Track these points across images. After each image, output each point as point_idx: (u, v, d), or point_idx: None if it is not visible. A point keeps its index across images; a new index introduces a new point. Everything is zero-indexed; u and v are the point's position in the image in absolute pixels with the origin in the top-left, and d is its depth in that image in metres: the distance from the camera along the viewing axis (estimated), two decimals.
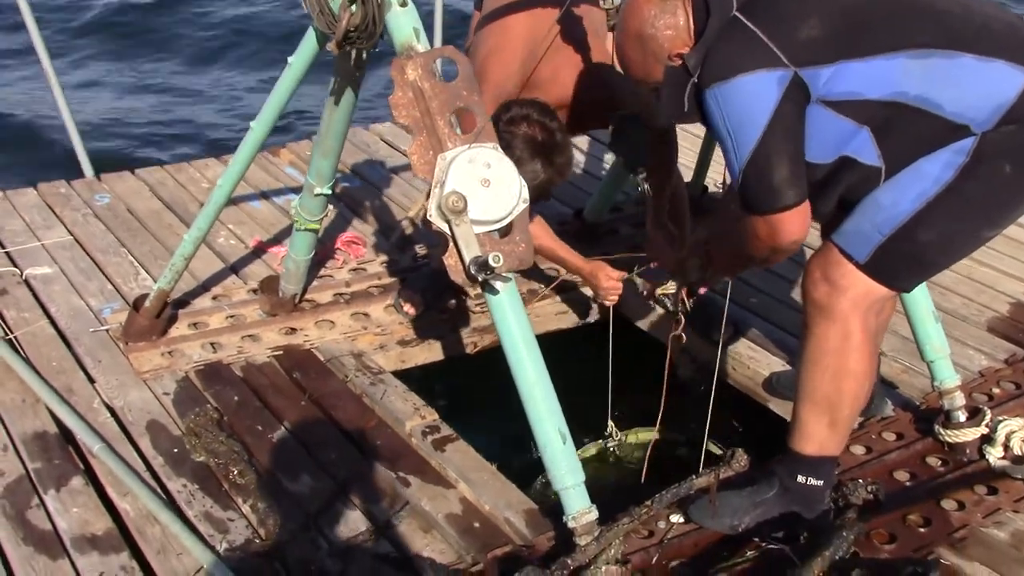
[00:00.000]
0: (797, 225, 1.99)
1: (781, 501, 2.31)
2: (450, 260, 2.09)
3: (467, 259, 2.06)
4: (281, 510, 2.40)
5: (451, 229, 2.07)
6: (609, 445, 3.07)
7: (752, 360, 3.11)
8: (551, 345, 3.08)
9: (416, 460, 2.64)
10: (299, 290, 3.27)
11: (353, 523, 2.38)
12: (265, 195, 4.17)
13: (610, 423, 3.05)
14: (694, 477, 2.24)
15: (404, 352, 3.24)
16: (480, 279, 2.06)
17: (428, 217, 2.09)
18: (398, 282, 3.49)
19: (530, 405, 2.17)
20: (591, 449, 3.09)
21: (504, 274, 2.09)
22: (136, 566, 2.22)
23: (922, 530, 2.39)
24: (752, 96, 1.92)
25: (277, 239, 3.73)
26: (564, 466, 2.17)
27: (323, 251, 3.68)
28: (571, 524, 2.17)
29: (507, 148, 2.43)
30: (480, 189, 2.07)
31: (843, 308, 2.09)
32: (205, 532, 2.34)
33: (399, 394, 2.90)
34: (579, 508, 2.18)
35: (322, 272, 3.55)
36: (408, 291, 3.37)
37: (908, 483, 2.56)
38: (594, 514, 2.18)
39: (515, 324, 2.15)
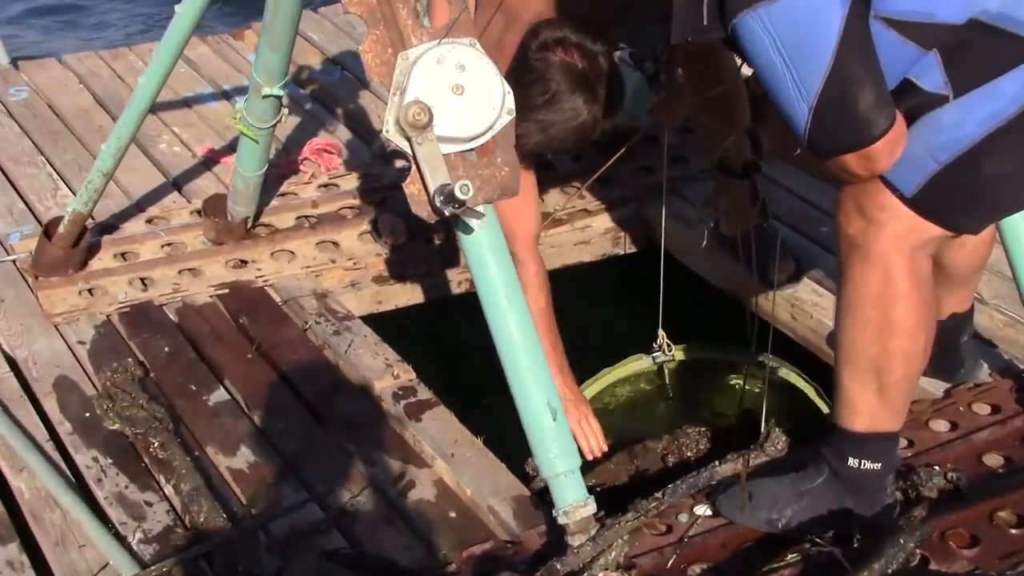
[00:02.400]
0: (898, 144, 1.98)
1: (831, 491, 2.27)
2: (412, 187, 2.04)
3: (431, 187, 2.00)
4: (212, 493, 2.40)
5: (412, 148, 2.01)
6: (658, 360, 3.09)
7: (816, 308, 3.07)
8: (568, 280, 3.09)
9: (385, 431, 2.64)
10: (251, 212, 3.25)
11: (301, 510, 2.38)
12: (223, 91, 4.12)
13: (661, 334, 3.05)
14: (717, 464, 2.21)
15: (380, 292, 3.23)
16: (447, 213, 1.99)
17: (384, 133, 2.02)
18: (378, 203, 3.47)
19: (513, 372, 2.13)
20: (634, 364, 3.10)
21: (478, 208, 2.02)
22: (27, 561, 2.22)
23: (1014, 531, 2.31)
24: (813, 13, 1.88)
25: (234, 146, 3.62)
26: (555, 448, 2.14)
27: (287, 162, 3.66)
28: (562, 520, 2.16)
29: (539, 82, 2.38)
30: (450, 97, 2.00)
31: (883, 247, 2.06)
32: (116, 519, 2.33)
33: (369, 346, 2.89)
34: (572, 500, 2.15)
35: (283, 189, 3.53)
36: (390, 215, 3.34)
37: (1001, 470, 2.48)
38: (591, 508, 2.16)
39: (495, 271, 2.10)
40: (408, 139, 2.00)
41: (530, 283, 2.68)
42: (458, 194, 1.94)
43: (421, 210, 2.03)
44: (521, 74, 2.41)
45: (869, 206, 2.06)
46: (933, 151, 2.00)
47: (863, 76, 1.91)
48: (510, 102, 2.05)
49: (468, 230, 2.08)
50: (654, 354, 3.09)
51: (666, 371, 3.12)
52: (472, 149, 2.05)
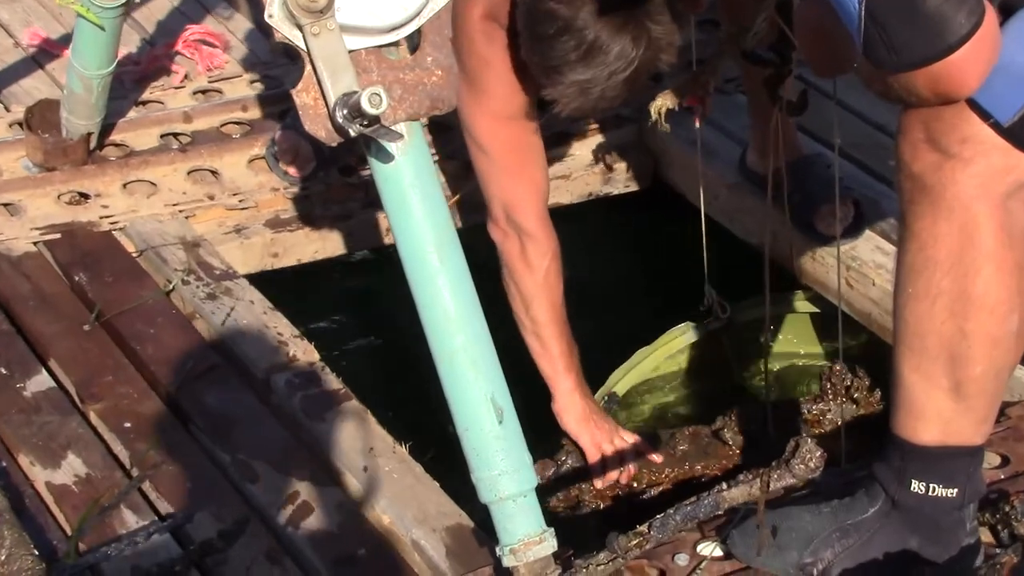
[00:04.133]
0: (988, 53, 1.97)
1: (887, 526, 2.29)
2: (304, 96, 2.02)
3: (331, 97, 1.98)
4: (22, 518, 2.34)
5: (305, 41, 1.98)
6: (710, 326, 3.19)
7: (882, 271, 3.11)
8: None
9: (272, 434, 2.64)
10: (95, 126, 3.24)
11: (147, 543, 2.36)
12: None
13: (708, 290, 3.12)
14: (725, 486, 2.20)
15: (276, 241, 3.24)
16: (353, 133, 1.98)
17: (268, 17, 2.00)
18: (277, 117, 3.46)
19: (443, 356, 2.13)
20: (679, 337, 3.22)
21: (398, 127, 2.01)
22: None
23: None
24: None
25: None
26: (500, 463, 2.14)
27: (149, 58, 3.65)
28: (509, 562, 2.17)
29: (567, 33, 2.39)
30: None
31: (964, 192, 2.06)
32: None
33: (257, 316, 2.90)
34: (523, 535, 2.16)
35: (143, 96, 3.53)
36: (292, 135, 3.34)
37: None
38: (548, 545, 2.18)
39: (422, 217, 2.10)
40: (300, 27, 1.97)
41: (539, 266, 2.74)
42: (367, 107, 1.91)
43: (317, 128, 2.01)
44: (536, 22, 2.42)
45: (947, 136, 2.05)
46: None
47: None
48: None
49: (384, 158, 2.07)
50: (706, 321, 3.17)
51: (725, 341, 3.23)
52: (390, 44, 2.04)
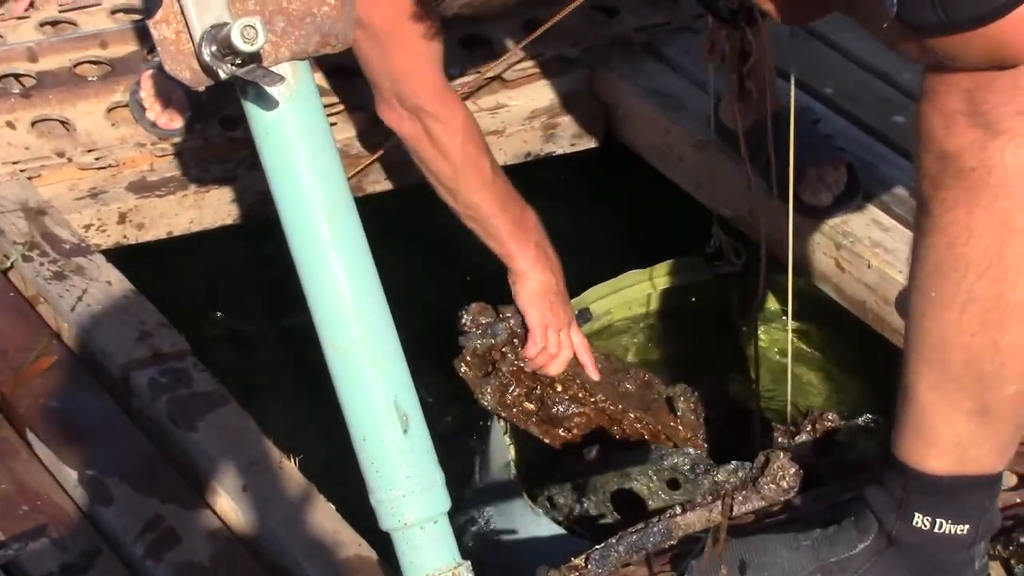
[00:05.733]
0: None
1: (882, 565, 2.30)
2: (164, 28, 2.00)
3: (197, 30, 1.97)
4: None
5: None
6: (720, 270, 3.29)
7: (879, 250, 3.15)
8: None
9: (130, 444, 2.66)
10: None
11: None
12: None
13: (716, 230, 3.22)
14: (678, 511, 2.22)
15: (141, 208, 3.26)
16: (224, 75, 1.97)
17: None
18: (145, 56, 3.49)
19: (335, 348, 2.13)
20: (680, 273, 3.31)
21: (278, 68, 2.00)
22: None
23: None
24: None
25: None
26: (403, 480, 2.14)
27: None
28: None
29: None
30: None
31: (1014, 176, 2.05)
32: None
33: (115, 300, 2.91)
34: (432, 569, 2.16)
35: None
36: (162, 79, 3.34)
37: None
38: None
39: (310, 178, 2.10)
40: None
41: (451, 146, 2.84)
42: (240, 43, 1.91)
43: (179, 68, 1.99)
44: None
45: (1000, 109, 2.05)
46: None
47: None
48: None
49: (264, 105, 2.05)
50: (716, 265, 3.26)
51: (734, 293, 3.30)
52: None
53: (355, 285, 2.13)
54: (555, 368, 2.98)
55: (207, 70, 1.99)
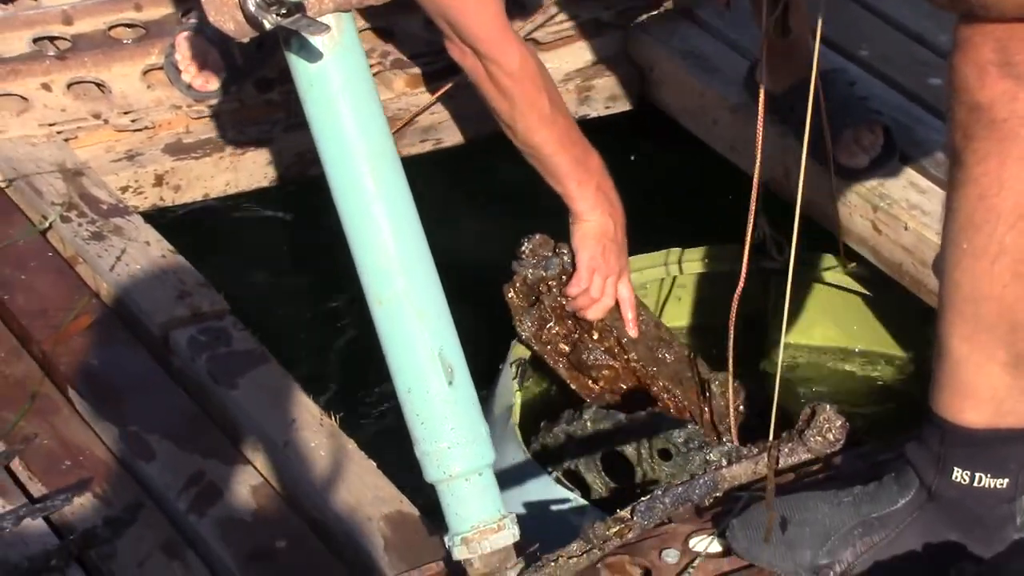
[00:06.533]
0: None
1: (922, 520, 2.30)
2: None
3: None
4: None
5: None
6: (767, 265, 3.27)
7: (916, 212, 3.14)
8: (500, 157, 3.18)
9: (171, 402, 2.66)
10: None
11: (17, 530, 2.37)
12: None
13: (760, 222, 3.13)
14: (724, 461, 2.22)
15: (178, 170, 3.26)
16: (269, 25, 1.98)
17: None
18: (181, 18, 3.46)
19: (381, 301, 2.14)
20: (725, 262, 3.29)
21: (324, 19, 2.01)
22: None
23: None
24: None
25: None
26: (448, 431, 2.15)
27: None
28: (460, 554, 2.20)
29: None
30: None
31: None
32: None
33: (154, 260, 2.91)
34: (477, 521, 2.18)
35: None
36: (198, 40, 3.33)
37: None
38: (509, 533, 2.20)
39: (354, 130, 2.10)
40: None
41: (508, 88, 2.86)
42: None
43: (223, 19, 2.00)
44: None
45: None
46: None
47: None
48: None
49: (308, 57, 2.06)
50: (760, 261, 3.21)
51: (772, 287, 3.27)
52: None
53: (400, 237, 2.13)
54: (594, 313, 2.99)
55: (251, 21, 1.99)
